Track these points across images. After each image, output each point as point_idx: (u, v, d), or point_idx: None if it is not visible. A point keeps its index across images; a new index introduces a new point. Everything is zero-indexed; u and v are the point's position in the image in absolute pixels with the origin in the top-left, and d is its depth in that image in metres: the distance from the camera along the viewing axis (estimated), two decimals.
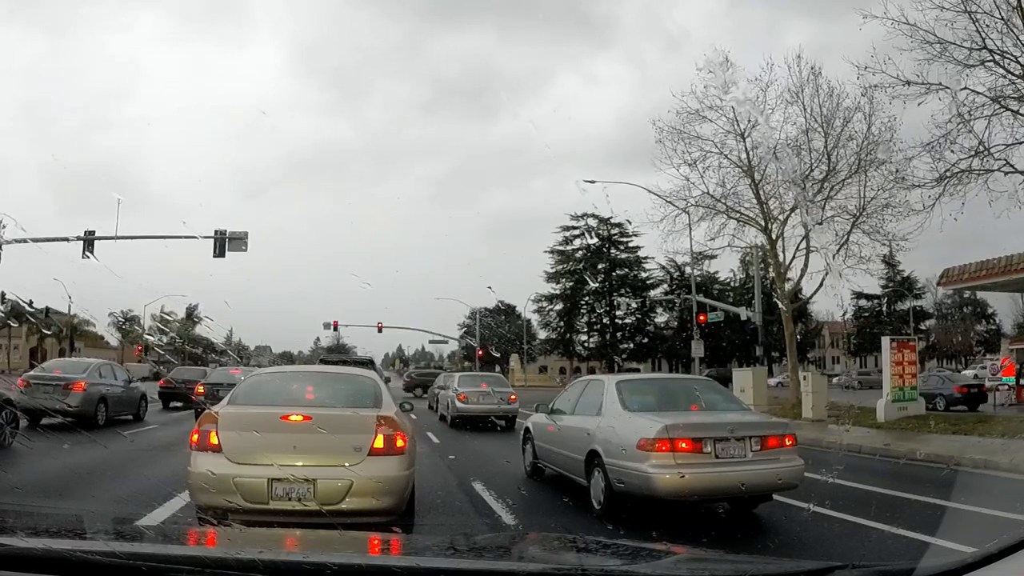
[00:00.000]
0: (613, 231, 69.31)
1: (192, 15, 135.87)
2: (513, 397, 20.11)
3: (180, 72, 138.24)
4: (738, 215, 25.52)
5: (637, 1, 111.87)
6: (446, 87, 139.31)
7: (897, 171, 21.42)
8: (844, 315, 70.64)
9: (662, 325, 72.98)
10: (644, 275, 71.43)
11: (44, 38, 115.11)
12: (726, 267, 65.19)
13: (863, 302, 75.02)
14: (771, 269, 29.10)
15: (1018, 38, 17.53)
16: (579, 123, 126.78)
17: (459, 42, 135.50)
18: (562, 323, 71.71)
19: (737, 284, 68.88)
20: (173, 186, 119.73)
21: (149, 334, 68.35)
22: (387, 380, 16.31)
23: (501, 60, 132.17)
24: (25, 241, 24.62)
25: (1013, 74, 17.74)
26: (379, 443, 5.91)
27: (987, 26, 17.76)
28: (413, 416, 8.39)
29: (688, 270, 48.97)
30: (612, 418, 7.74)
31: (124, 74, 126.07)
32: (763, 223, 25.05)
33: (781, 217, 24.97)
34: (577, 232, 70.66)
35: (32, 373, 17.96)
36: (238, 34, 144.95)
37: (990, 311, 76.95)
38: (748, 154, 24.50)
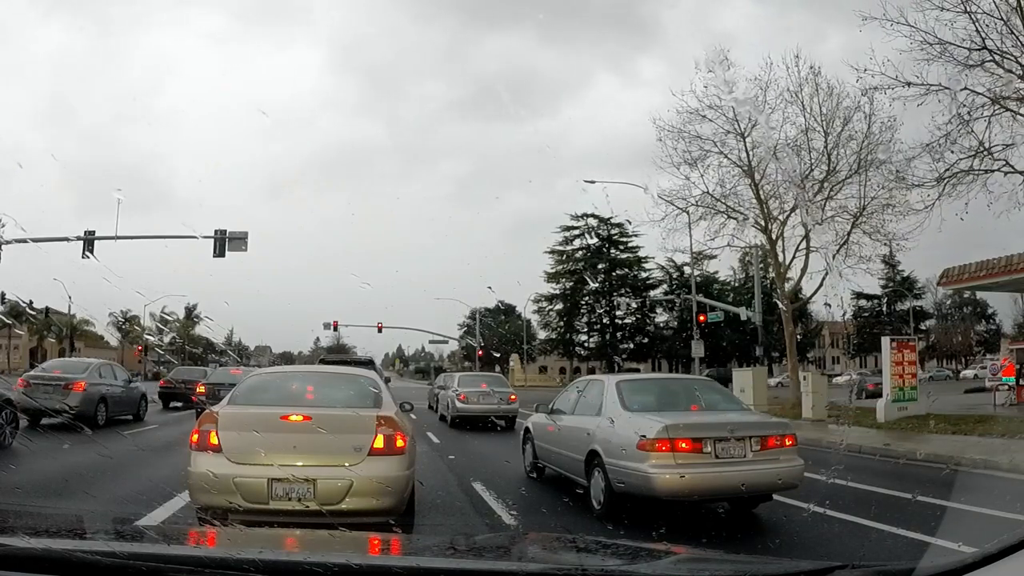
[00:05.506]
0: (613, 231, 69.41)
1: (225, 10, 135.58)
2: (513, 397, 20.12)
3: (195, 71, 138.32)
4: (739, 215, 25.55)
5: (676, 5, 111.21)
6: (469, 87, 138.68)
7: (898, 172, 21.47)
8: (844, 315, 70.73)
9: (662, 325, 72.98)
10: (644, 275, 71.59)
11: (66, 34, 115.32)
12: (726, 267, 65.28)
13: (863, 302, 75.06)
14: (771, 269, 29.12)
15: (1018, 38, 17.53)
16: (606, 126, 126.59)
17: (486, 43, 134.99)
18: (562, 323, 71.75)
19: (737, 284, 68.89)
20: (184, 185, 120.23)
21: (149, 334, 68.38)
22: (387, 380, 16.31)
23: (530, 61, 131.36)
24: (25, 241, 24.62)
25: (1013, 73, 17.75)
26: (379, 443, 5.91)
27: (987, 26, 17.79)
28: (413, 416, 8.38)
29: (688, 270, 49.02)
30: (612, 418, 7.74)
31: (145, 72, 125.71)
32: (763, 223, 25.08)
33: (781, 217, 25.02)
34: (577, 232, 70.88)
35: (32, 373, 17.95)
36: (255, 35, 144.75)
37: (990, 311, 77.17)
38: (748, 154, 24.57)
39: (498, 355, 70.35)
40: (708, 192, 25.37)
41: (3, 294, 35.45)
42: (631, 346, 71.94)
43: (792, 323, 26.96)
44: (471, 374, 25.80)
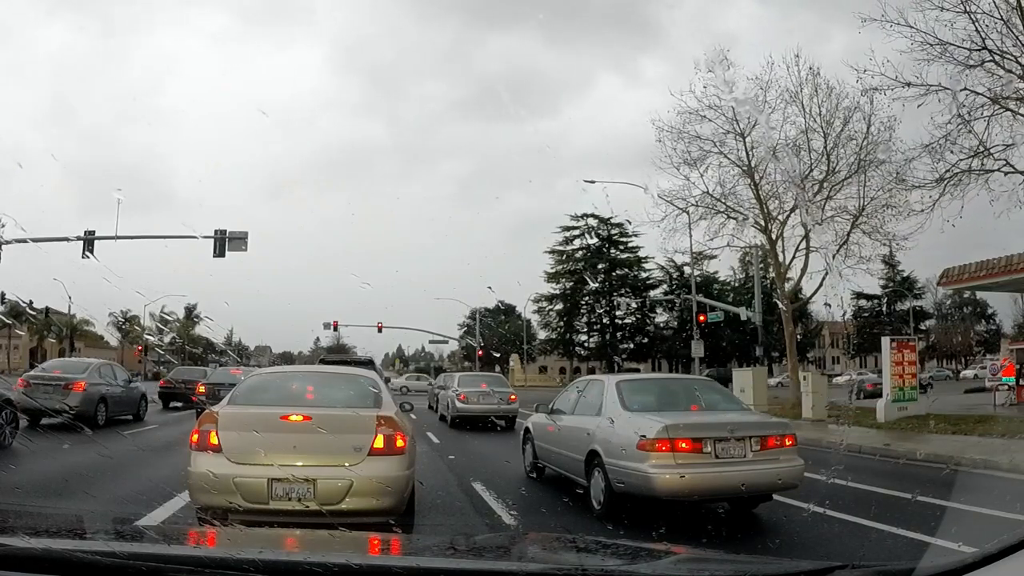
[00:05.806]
0: (613, 231, 69.40)
1: (226, 10, 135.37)
2: (513, 397, 20.12)
3: (195, 71, 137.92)
4: (738, 215, 25.56)
5: (677, 6, 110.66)
6: (470, 88, 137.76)
7: (898, 173, 21.47)
8: (844, 315, 70.74)
9: (662, 325, 72.97)
10: (644, 275, 71.57)
11: (67, 34, 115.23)
12: (726, 267, 65.29)
13: (863, 302, 75.06)
14: (771, 269, 29.13)
15: (1018, 38, 17.53)
16: (606, 126, 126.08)
17: (488, 43, 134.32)
18: (562, 323, 71.74)
19: (737, 284, 68.89)
20: (184, 185, 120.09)
21: (149, 334, 68.36)
22: (387, 380, 16.32)
23: (531, 62, 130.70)
24: (25, 241, 24.59)
25: (1013, 73, 17.74)
26: (379, 443, 5.91)
27: (987, 26, 17.79)
28: (413, 416, 8.39)
29: (688, 270, 49.04)
30: (612, 418, 7.74)
31: (146, 72, 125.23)
32: (763, 223, 25.08)
33: (781, 217, 25.03)
34: (577, 232, 70.88)
35: (32, 373, 17.95)
36: (256, 35, 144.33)
37: (990, 311, 77.21)
38: (748, 154, 24.57)
39: (498, 355, 70.34)
40: (708, 192, 25.41)
41: (3, 294, 35.46)
42: (631, 346, 71.93)
43: (792, 323, 26.96)
44: (471, 374, 25.81)
